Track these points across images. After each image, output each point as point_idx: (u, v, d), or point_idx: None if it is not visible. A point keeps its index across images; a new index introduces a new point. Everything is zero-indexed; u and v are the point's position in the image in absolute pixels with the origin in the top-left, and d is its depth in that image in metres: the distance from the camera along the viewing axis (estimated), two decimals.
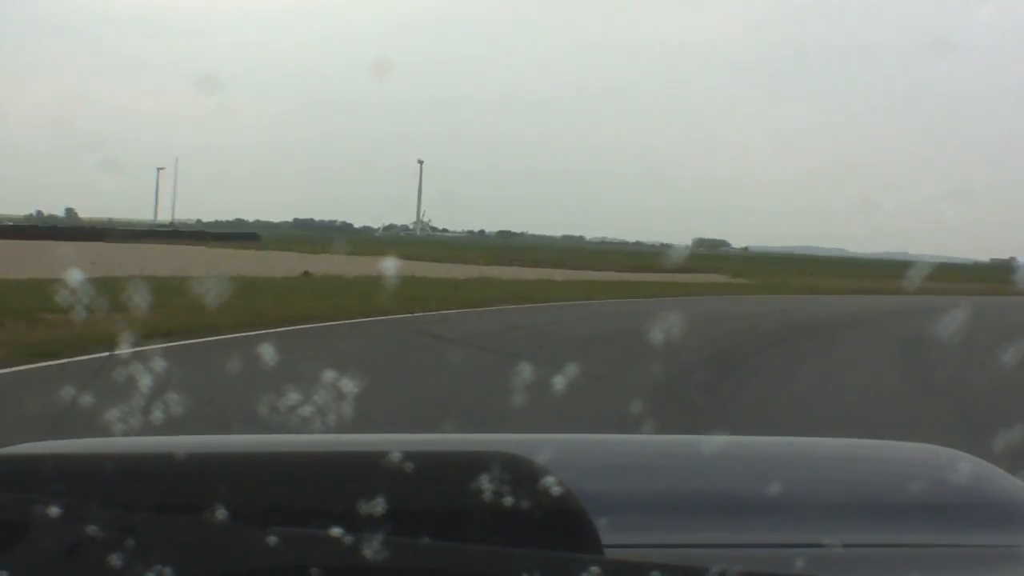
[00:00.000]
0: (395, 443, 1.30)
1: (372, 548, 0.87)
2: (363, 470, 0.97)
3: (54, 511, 0.88)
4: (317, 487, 0.98)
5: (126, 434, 1.95)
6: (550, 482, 0.95)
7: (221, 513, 0.90)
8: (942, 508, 1.43)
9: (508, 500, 0.93)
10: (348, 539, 0.88)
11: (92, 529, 0.88)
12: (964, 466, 1.53)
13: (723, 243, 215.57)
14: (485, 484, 0.93)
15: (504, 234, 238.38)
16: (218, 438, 1.84)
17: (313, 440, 1.68)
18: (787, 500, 1.39)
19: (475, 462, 0.95)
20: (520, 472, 0.95)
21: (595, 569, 0.87)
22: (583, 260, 64.51)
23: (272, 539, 0.88)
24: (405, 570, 0.89)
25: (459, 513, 0.95)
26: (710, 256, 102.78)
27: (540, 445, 1.33)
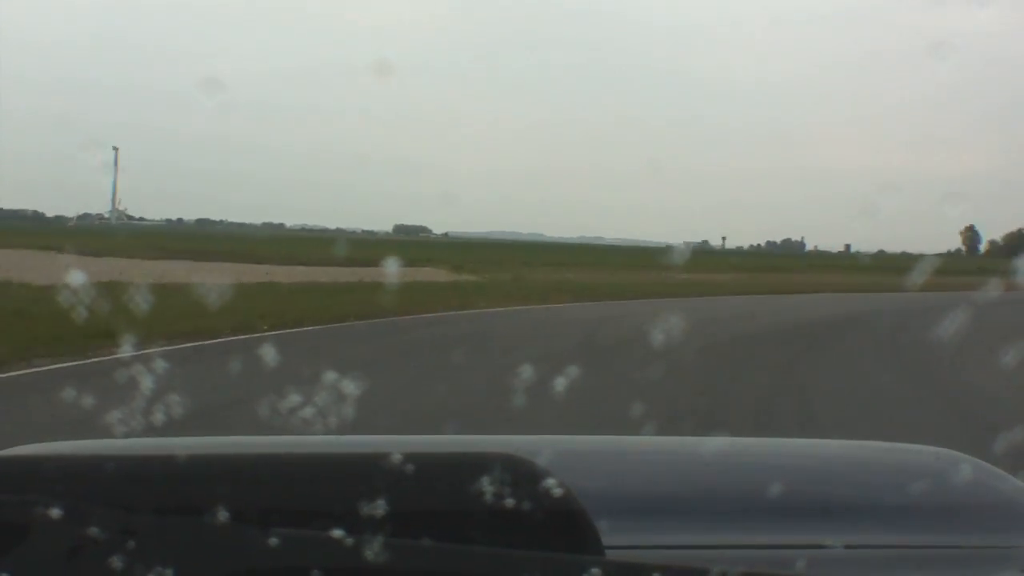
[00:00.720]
0: (396, 444, 1.32)
1: (373, 549, 0.87)
2: (364, 471, 0.97)
3: (55, 513, 0.88)
4: (318, 488, 0.97)
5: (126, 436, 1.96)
6: (551, 483, 0.95)
7: (222, 514, 0.90)
8: (943, 509, 1.43)
9: (509, 501, 0.93)
10: (349, 540, 0.88)
11: (93, 531, 0.88)
12: (964, 468, 1.54)
13: (424, 229, 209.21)
14: (486, 485, 0.92)
15: (203, 222, 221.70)
16: (219, 439, 1.78)
17: (314, 441, 1.65)
18: (788, 501, 1.38)
19: (476, 463, 0.95)
20: (521, 473, 0.95)
21: (596, 570, 0.87)
22: (272, 251, 52.74)
23: (273, 540, 0.88)
24: (406, 571, 0.89)
25: (460, 514, 0.95)
26: (413, 244, 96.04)
27: (541, 446, 1.31)
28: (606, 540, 0.98)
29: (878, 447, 1.85)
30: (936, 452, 1.68)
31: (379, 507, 0.91)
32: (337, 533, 0.89)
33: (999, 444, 2.43)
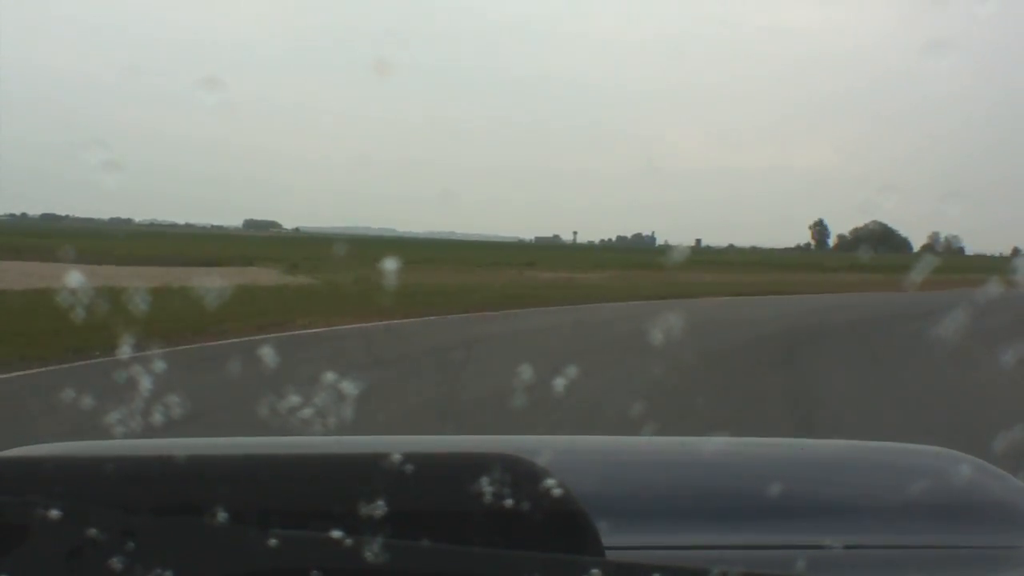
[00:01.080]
0: (395, 445, 1.30)
1: (372, 550, 0.87)
2: (363, 472, 0.97)
3: (54, 514, 0.88)
4: (317, 489, 0.97)
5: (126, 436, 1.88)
6: (551, 484, 0.95)
7: (221, 515, 0.90)
8: (943, 509, 1.43)
9: (509, 502, 0.93)
10: (349, 541, 0.88)
11: (93, 532, 0.88)
12: (965, 467, 1.54)
13: (274, 224, 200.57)
14: (486, 486, 0.92)
15: (48, 217, 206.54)
16: (218, 440, 1.75)
17: (313, 442, 1.64)
18: (788, 501, 1.39)
19: (475, 464, 0.95)
20: (521, 474, 0.95)
21: (596, 571, 0.87)
22: (105, 249, 45.18)
23: (272, 541, 0.88)
24: (405, 572, 0.89)
25: (460, 515, 0.95)
26: (259, 240, 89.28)
27: (541, 447, 1.31)
28: (606, 540, 0.98)
29: (878, 447, 1.81)
30: (936, 451, 1.68)
31: (378, 507, 0.91)
32: (336, 534, 0.89)
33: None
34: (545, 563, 0.89)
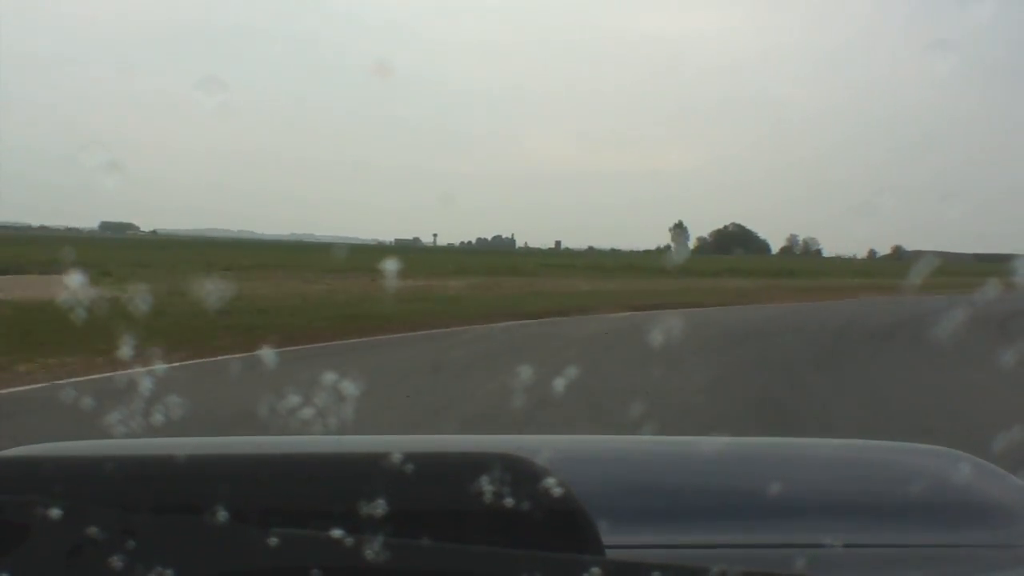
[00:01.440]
0: (396, 444, 1.31)
1: (373, 549, 0.87)
2: (364, 471, 0.97)
3: (55, 513, 0.88)
4: (318, 488, 0.97)
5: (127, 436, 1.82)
6: (551, 483, 0.95)
7: (222, 514, 0.90)
8: (943, 508, 1.43)
9: (509, 501, 0.93)
10: (349, 540, 0.88)
11: (93, 531, 0.88)
12: (964, 466, 1.54)
13: (131, 226, 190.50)
14: (486, 485, 0.92)
15: None
16: (218, 440, 1.77)
17: (314, 441, 1.62)
18: (788, 500, 1.38)
19: (476, 463, 0.94)
20: (521, 473, 0.95)
21: (596, 570, 0.87)
22: None
23: (273, 540, 0.88)
24: (406, 571, 0.89)
25: (460, 514, 0.95)
26: (112, 243, 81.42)
27: (541, 446, 1.31)
28: (606, 539, 0.98)
29: (878, 446, 1.81)
30: (936, 451, 1.68)
31: (379, 507, 0.91)
32: (337, 533, 0.88)
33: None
34: (545, 562, 0.89)
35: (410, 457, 0.93)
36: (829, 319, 24.70)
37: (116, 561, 0.86)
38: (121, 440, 1.77)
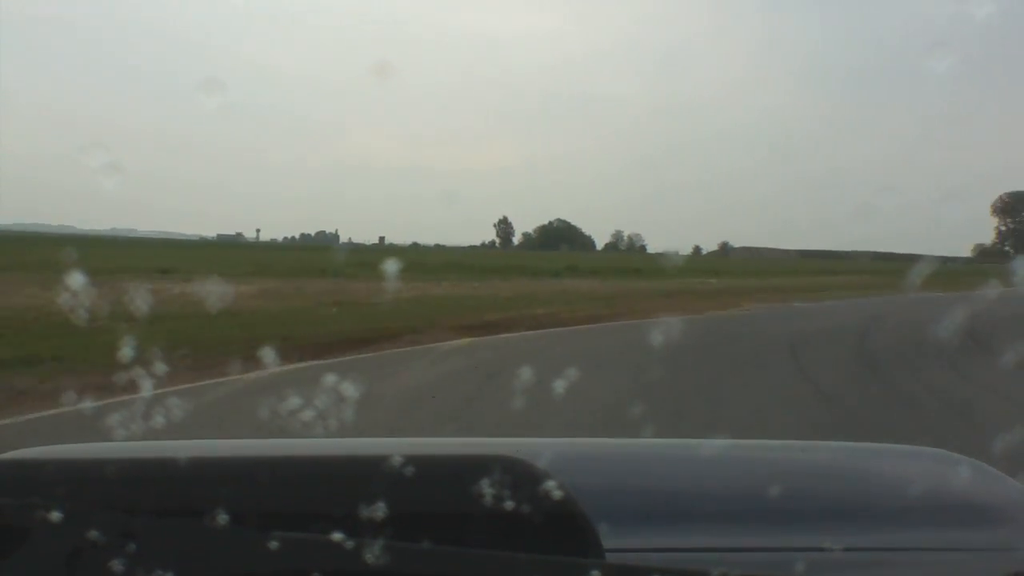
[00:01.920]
0: (396, 447, 1.33)
1: (373, 552, 0.87)
2: (364, 474, 0.97)
3: (55, 516, 0.88)
4: (318, 491, 0.97)
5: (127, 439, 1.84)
6: (551, 486, 0.95)
7: (222, 517, 0.90)
8: (941, 511, 1.43)
9: (509, 504, 0.92)
10: (349, 543, 0.88)
11: (93, 534, 0.88)
12: (963, 469, 1.54)
13: None
14: (486, 488, 0.92)
15: None
16: (219, 442, 1.74)
17: (314, 444, 1.63)
18: (787, 504, 1.38)
19: (476, 466, 0.94)
20: (521, 476, 0.95)
21: (596, 573, 0.87)
22: None
23: (273, 543, 0.88)
24: (406, 574, 0.89)
25: (460, 517, 0.94)
26: None
27: (541, 449, 1.30)
28: (606, 542, 0.98)
29: (877, 448, 1.81)
30: (935, 453, 1.67)
31: (379, 510, 0.91)
32: (337, 536, 0.88)
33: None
34: (546, 565, 0.89)
35: (410, 460, 0.93)
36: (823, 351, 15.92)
37: (116, 564, 0.86)
38: (121, 443, 1.80)
